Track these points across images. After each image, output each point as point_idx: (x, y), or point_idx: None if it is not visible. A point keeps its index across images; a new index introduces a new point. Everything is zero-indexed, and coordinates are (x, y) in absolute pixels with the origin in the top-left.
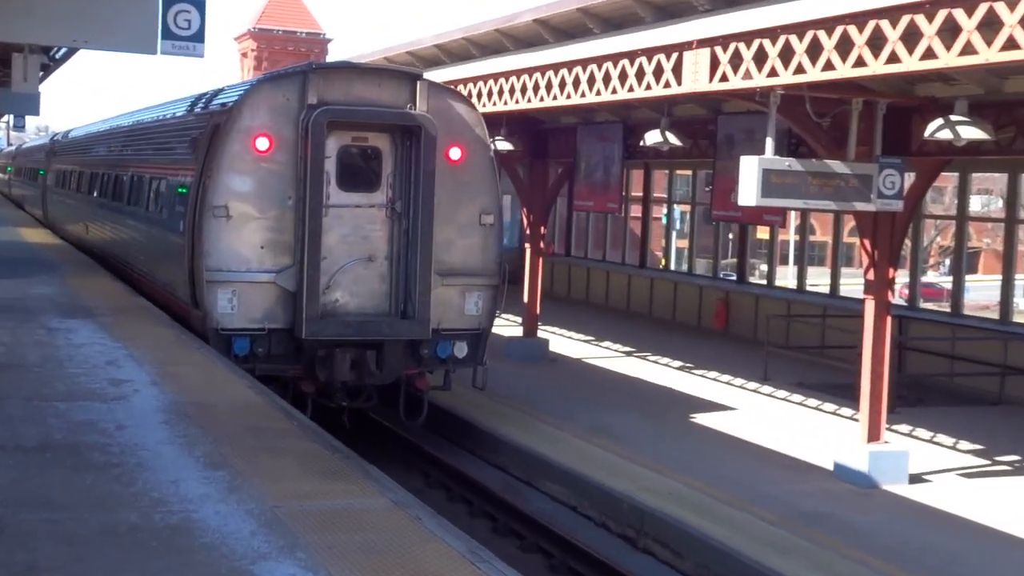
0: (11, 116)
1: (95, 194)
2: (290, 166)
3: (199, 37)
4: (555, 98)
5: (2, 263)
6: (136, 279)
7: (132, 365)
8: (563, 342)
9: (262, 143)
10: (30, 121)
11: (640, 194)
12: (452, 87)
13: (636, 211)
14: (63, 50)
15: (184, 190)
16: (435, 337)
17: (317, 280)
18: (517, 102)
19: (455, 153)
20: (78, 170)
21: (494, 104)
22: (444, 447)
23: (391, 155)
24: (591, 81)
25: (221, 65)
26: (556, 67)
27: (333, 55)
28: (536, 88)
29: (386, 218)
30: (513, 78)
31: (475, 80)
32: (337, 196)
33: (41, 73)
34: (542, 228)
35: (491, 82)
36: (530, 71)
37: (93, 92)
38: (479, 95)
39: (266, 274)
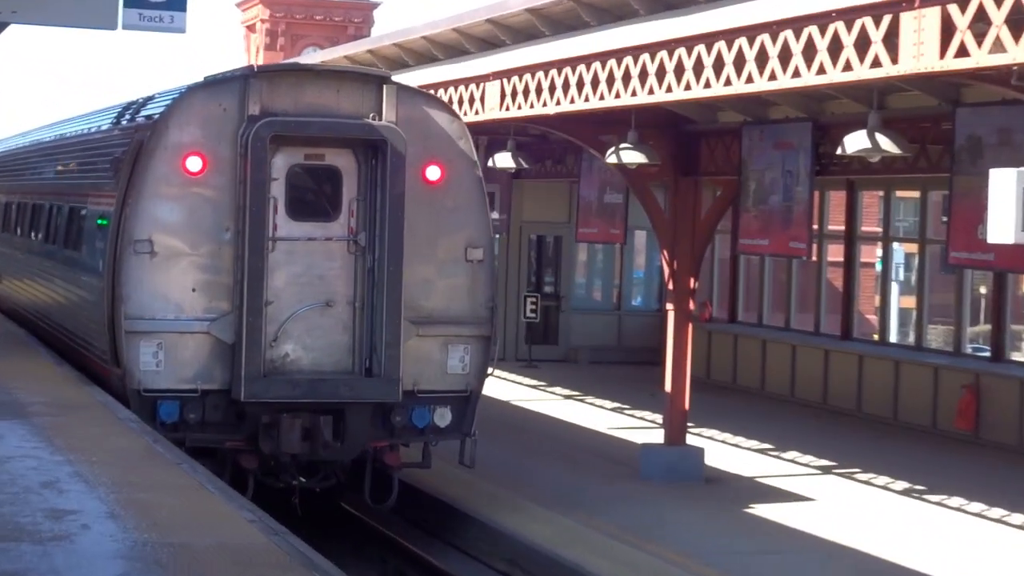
0: None
1: (16, 233)
2: (228, 191)
3: (178, 3)
4: (708, 85)
5: None
6: (55, 337)
7: (80, 488)
8: (726, 452)
9: (194, 163)
10: None
11: (841, 228)
12: (429, 91)
13: (835, 253)
14: None
15: (104, 222)
16: (410, 401)
17: (259, 329)
18: (635, 93)
19: (433, 173)
20: (25, 205)
21: (586, 98)
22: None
23: (354, 176)
24: (761, 59)
25: (220, 44)
26: (697, 41)
27: (381, 28)
28: (680, 71)
29: (348, 253)
30: (645, 56)
31: (561, 64)
32: (287, 227)
33: None
34: (692, 281)
35: (594, 65)
36: (656, 47)
37: (50, 89)
38: (568, 85)
39: (199, 322)
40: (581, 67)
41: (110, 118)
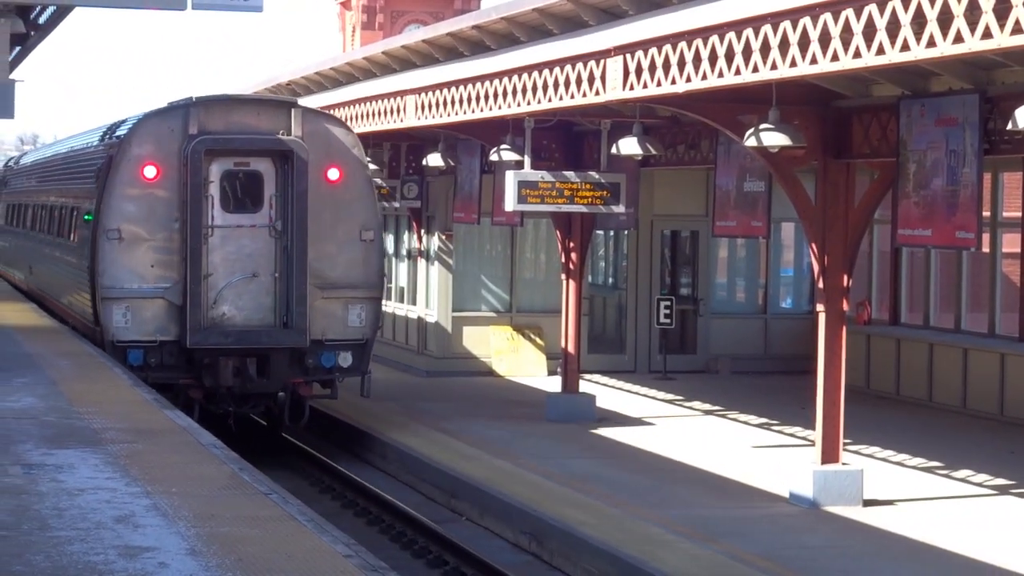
0: None
1: (36, 229)
2: (176, 191)
3: None
4: (857, 55)
5: None
6: (63, 312)
7: (158, 522)
8: (889, 473)
9: (149, 171)
10: (7, 130)
11: (1017, 214)
12: (328, 112)
13: (1011, 243)
14: (48, 10)
15: (90, 217)
16: (319, 347)
17: (201, 294)
18: (774, 66)
19: (333, 174)
20: (24, 203)
21: (720, 73)
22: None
23: (272, 178)
24: (919, 24)
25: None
26: (843, 5)
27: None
28: (826, 39)
29: (268, 237)
30: (786, 23)
31: (691, 36)
32: (222, 217)
33: (16, 49)
34: (846, 278)
35: (729, 35)
36: (798, 12)
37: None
38: (700, 59)
39: (156, 290)
40: (714, 38)
41: (97, 136)
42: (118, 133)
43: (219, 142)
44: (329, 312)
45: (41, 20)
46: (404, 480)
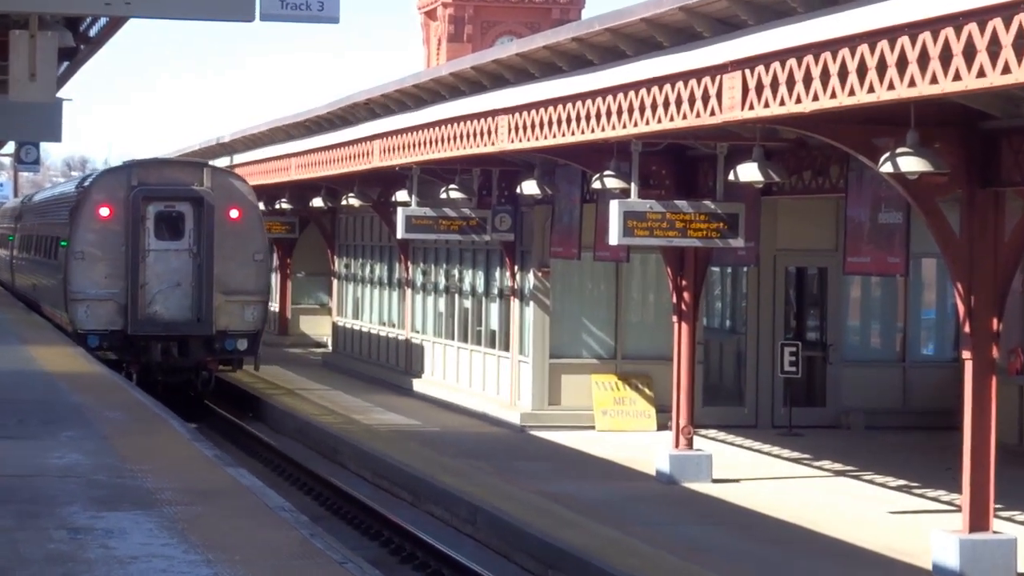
0: (14, 145)
1: (31, 251)
2: (123, 225)
3: None
4: (1007, 70)
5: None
6: (50, 314)
7: None
8: None
9: (104, 211)
10: (56, 152)
11: None
12: (232, 170)
13: None
14: (99, 22)
15: (65, 243)
16: (223, 336)
17: (139, 298)
18: (912, 83)
19: (234, 213)
20: (31, 234)
21: (851, 91)
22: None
23: (191, 216)
24: None
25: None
26: (993, 12)
27: (592, 10)
28: (971, 52)
29: (189, 258)
30: (925, 35)
31: (818, 48)
32: (156, 244)
33: (64, 64)
34: (996, 321)
35: (861, 48)
36: (939, 23)
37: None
38: (828, 74)
39: (108, 294)
40: (844, 51)
41: (73, 185)
42: (84, 184)
43: (153, 191)
44: (231, 311)
45: (92, 32)
46: (495, 548)
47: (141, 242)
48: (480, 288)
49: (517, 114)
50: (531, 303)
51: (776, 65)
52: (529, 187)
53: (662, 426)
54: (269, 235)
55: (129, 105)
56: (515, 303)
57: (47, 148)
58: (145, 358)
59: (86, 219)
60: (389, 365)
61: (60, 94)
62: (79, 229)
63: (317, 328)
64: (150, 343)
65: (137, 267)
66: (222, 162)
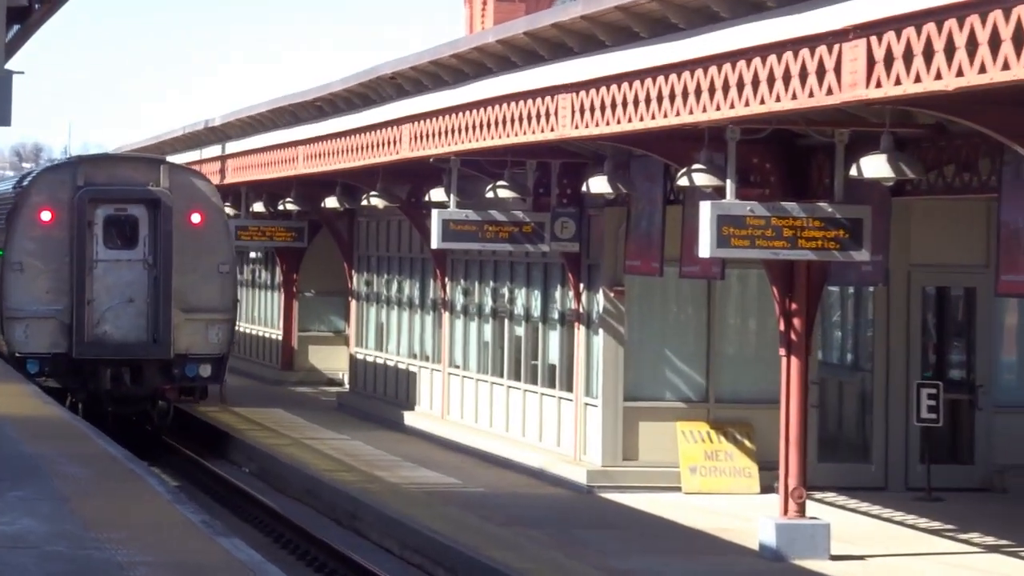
0: None
1: None
2: (67, 231)
3: None
4: None
5: None
6: None
7: None
8: None
9: (45, 215)
10: (4, 137)
11: None
12: (194, 167)
13: None
14: None
15: (1, 252)
16: (184, 360)
17: (86, 316)
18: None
19: (196, 218)
20: None
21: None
22: None
23: (146, 220)
24: None
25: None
26: None
27: None
28: None
29: (143, 269)
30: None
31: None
32: (104, 253)
33: (15, 28)
34: None
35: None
36: None
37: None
38: (977, 42)
39: (50, 311)
40: (996, 13)
41: (11, 184)
42: (23, 183)
43: (102, 192)
44: (192, 331)
45: None
46: None
47: (88, 251)
48: (536, 312)
49: (583, 92)
50: (600, 331)
51: (910, 31)
52: (597, 184)
53: (766, 487)
54: (270, 243)
55: (96, 82)
56: (580, 331)
57: None
58: (93, 386)
59: (24, 224)
60: (421, 409)
61: (9, 65)
62: (16, 236)
63: (330, 361)
64: (98, 368)
65: (83, 280)
66: (212, 151)
